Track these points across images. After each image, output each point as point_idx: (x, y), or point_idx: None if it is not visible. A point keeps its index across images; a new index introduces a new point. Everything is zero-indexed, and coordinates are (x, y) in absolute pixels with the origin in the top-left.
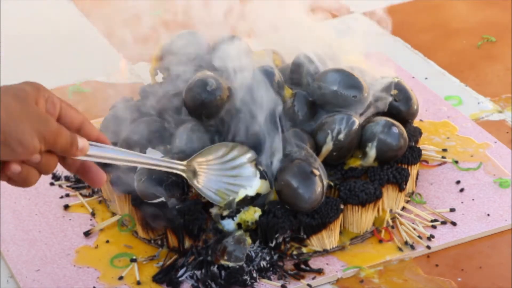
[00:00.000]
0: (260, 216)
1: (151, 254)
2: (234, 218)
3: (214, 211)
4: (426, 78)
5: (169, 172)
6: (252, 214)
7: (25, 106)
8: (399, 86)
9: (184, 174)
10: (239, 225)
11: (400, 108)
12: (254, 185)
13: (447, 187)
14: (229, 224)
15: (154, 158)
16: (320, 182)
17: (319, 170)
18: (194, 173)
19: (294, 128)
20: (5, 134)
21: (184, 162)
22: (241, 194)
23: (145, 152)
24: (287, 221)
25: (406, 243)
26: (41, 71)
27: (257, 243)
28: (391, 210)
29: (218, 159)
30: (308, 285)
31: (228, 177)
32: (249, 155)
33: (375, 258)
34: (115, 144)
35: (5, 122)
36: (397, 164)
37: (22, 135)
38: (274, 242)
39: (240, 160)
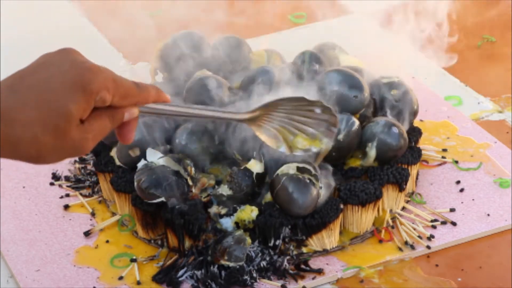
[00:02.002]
0: (257, 216)
1: (151, 254)
2: (232, 217)
3: (212, 210)
4: (426, 78)
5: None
6: (249, 213)
7: (59, 142)
8: (399, 86)
9: (246, 124)
10: (237, 224)
11: (400, 108)
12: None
13: (447, 187)
14: (227, 223)
15: (216, 110)
16: (315, 187)
17: (316, 175)
18: (257, 123)
19: None
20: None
21: (246, 114)
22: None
23: (145, 152)
24: (284, 221)
25: (406, 243)
26: None
27: (256, 242)
28: (391, 210)
29: (284, 110)
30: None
31: (295, 122)
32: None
33: (375, 258)
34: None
35: (33, 156)
36: (397, 164)
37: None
38: (272, 242)
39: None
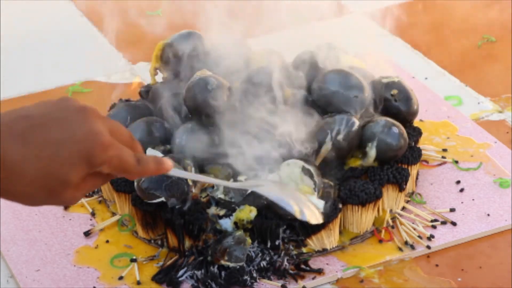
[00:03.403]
0: (255, 216)
1: (151, 254)
2: (231, 217)
3: (211, 211)
4: (426, 78)
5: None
6: (248, 213)
7: (51, 199)
8: (399, 86)
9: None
10: (236, 224)
11: (400, 108)
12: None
13: (447, 187)
14: (226, 223)
15: (219, 180)
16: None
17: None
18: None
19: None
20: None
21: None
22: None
23: (145, 152)
24: (280, 222)
25: (406, 243)
26: (42, 71)
27: (256, 243)
28: (391, 210)
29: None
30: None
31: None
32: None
33: (375, 258)
34: None
35: (23, 203)
36: (397, 164)
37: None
38: (269, 243)
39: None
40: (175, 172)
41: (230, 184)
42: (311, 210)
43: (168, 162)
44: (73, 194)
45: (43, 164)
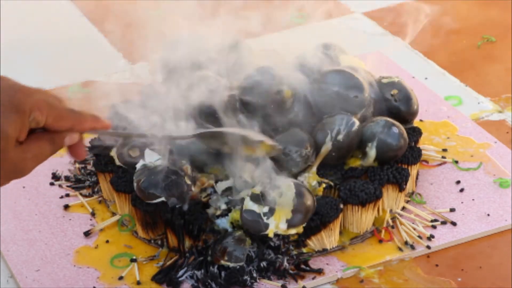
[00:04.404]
0: None
1: (151, 254)
2: (227, 217)
3: (210, 211)
4: (426, 78)
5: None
6: None
7: (1, 163)
8: (399, 86)
9: None
10: (232, 224)
11: (400, 108)
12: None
13: (447, 187)
14: (223, 223)
15: (164, 133)
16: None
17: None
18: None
19: (294, 128)
20: None
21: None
22: None
23: (143, 153)
24: None
25: (406, 243)
26: (42, 71)
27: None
28: (391, 210)
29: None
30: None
31: None
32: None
33: (375, 258)
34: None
35: None
36: (397, 164)
37: None
38: (261, 245)
39: None
40: (111, 133)
41: (199, 131)
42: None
43: (107, 120)
44: (20, 154)
45: None
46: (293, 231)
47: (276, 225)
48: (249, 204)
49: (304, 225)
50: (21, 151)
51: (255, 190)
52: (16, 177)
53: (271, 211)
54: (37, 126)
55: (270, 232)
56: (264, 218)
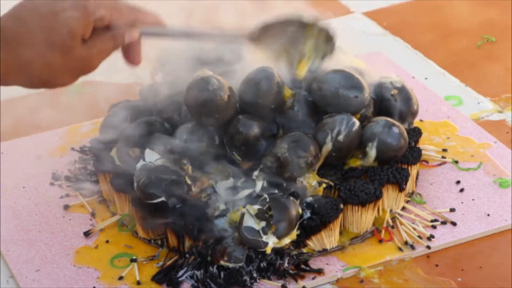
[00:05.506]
0: None
1: (151, 254)
2: (225, 218)
3: (209, 211)
4: (426, 78)
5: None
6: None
7: (67, 60)
8: (399, 86)
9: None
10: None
11: (400, 108)
12: None
13: (447, 187)
14: (222, 224)
15: (216, 31)
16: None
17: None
18: (257, 42)
19: (296, 132)
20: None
21: (246, 34)
22: None
23: (143, 154)
24: None
25: (406, 243)
26: None
27: None
28: (391, 210)
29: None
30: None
31: None
32: None
33: (375, 258)
34: None
35: (46, 79)
36: (397, 164)
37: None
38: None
39: None
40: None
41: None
42: None
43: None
44: (87, 50)
45: (42, 25)
46: (286, 240)
47: (274, 242)
48: (249, 221)
49: (296, 230)
50: (87, 47)
51: (254, 209)
52: (83, 73)
53: (268, 226)
54: (102, 24)
55: (268, 249)
56: (264, 237)
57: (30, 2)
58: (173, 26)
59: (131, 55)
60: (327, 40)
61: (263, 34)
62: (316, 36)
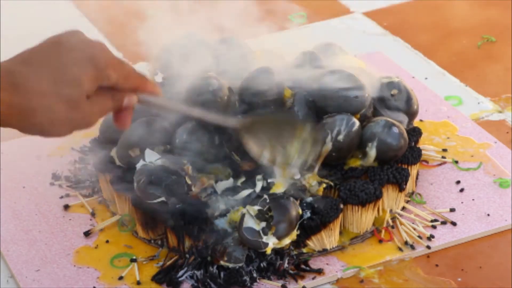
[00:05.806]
0: None
1: (151, 254)
2: (225, 218)
3: (209, 211)
4: (426, 78)
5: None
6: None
7: (71, 113)
8: (399, 86)
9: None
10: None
11: (400, 108)
12: None
13: (447, 187)
14: (222, 224)
15: (209, 114)
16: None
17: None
18: (248, 131)
19: None
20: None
21: (237, 122)
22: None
23: (143, 153)
24: None
25: (406, 243)
26: None
27: None
28: (391, 210)
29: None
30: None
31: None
32: None
33: (375, 258)
34: None
35: (45, 128)
36: (397, 164)
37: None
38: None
39: None
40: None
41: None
42: None
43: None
44: (90, 107)
45: (52, 75)
46: (286, 241)
47: (274, 242)
48: (249, 222)
49: (296, 230)
50: (90, 103)
51: (254, 209)
52: (80, 128)
53: (268, 227)
54: (108, 83)
55: (268, 250)
56: (264, 238)
57: (40, 52)
58: (170, 100)
59: (121, 118)
60: (314, 142)
61: (255, 125)
62: (305, 138)
